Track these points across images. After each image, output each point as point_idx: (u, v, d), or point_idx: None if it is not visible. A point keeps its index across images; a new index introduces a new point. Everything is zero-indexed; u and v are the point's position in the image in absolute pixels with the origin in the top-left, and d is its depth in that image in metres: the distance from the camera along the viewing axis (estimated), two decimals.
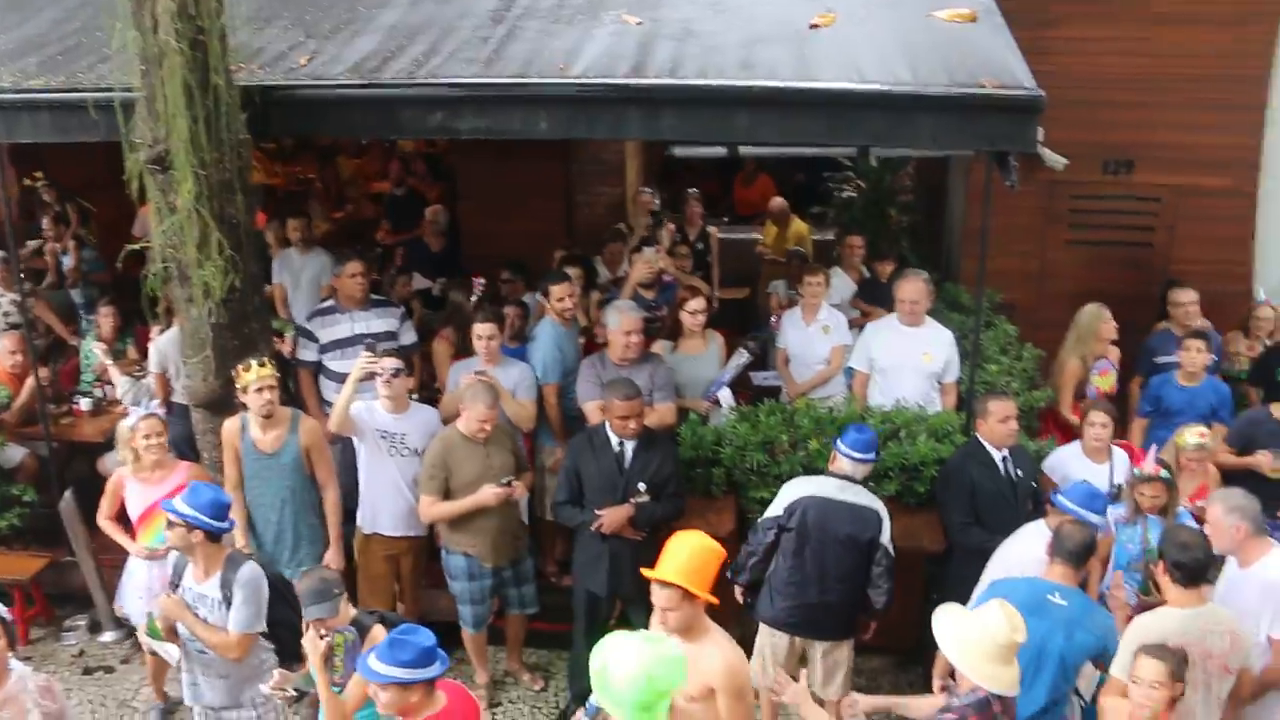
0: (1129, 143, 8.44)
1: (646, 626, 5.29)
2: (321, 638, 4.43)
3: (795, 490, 5.46)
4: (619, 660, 3.43)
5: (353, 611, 4.65)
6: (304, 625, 4.53)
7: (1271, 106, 8.27)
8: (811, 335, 7.39)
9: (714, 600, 4.14)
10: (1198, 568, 4.55)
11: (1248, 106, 8.33)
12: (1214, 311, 7.81)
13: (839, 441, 5.47)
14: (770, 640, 5.63)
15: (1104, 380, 7.34)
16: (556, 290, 6.89)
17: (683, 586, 4.03)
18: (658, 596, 4.11)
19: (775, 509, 5.47)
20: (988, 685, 3.89)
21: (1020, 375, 7.08)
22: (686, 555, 4.11)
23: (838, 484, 5.40)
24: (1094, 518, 5.10)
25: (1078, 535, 4.86)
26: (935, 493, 6.09)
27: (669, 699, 3.46)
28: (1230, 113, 8.29)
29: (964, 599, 5.48)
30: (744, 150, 13.24)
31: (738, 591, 5.63)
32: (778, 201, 10.72)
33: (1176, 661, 4.21)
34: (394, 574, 6.32)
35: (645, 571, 4.17)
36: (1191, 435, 6.17)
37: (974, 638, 3.95)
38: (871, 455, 5.44)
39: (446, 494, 5.89)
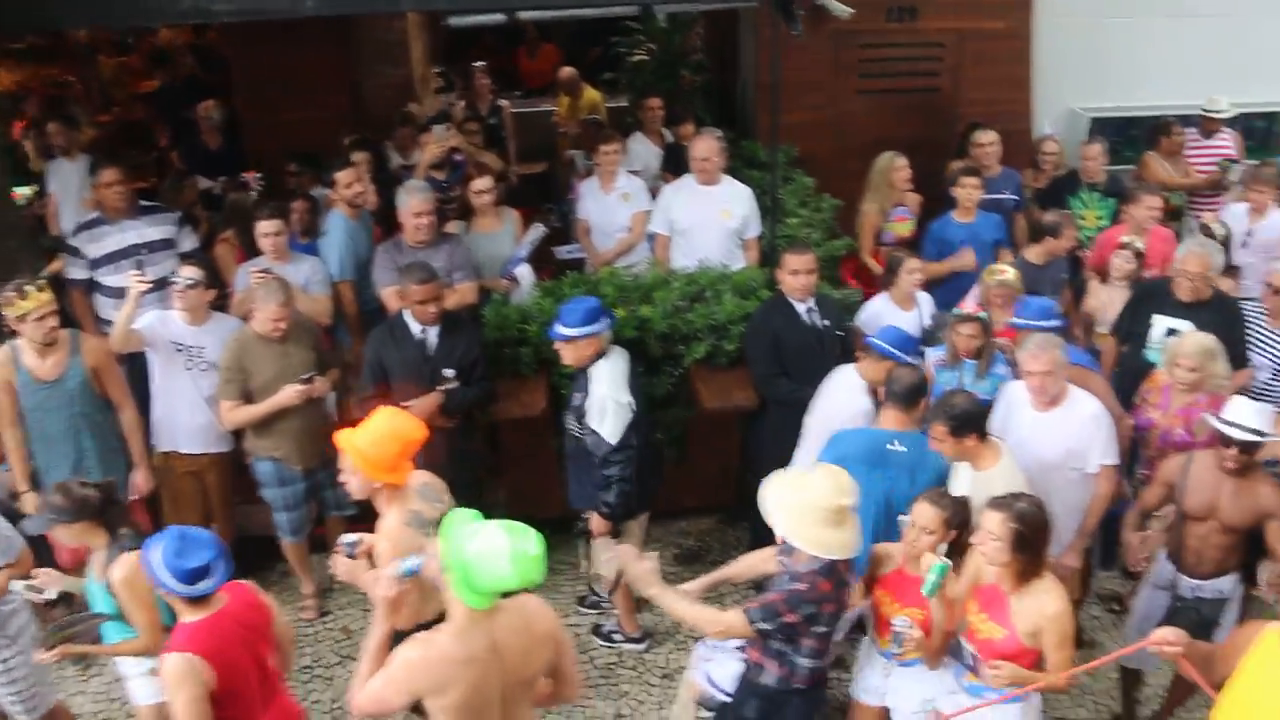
0: None
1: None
2: None
3: None
4: (483, 536, 3.28)
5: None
6: None
7: None
8: (611, 204, 7.27)
9: (395, 480, 4.19)
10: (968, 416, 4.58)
11: None
12: (1005, 152, 7.99)
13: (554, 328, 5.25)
14: None
15: (901, 226, 7.48)
16: (342, 178, 6.60)
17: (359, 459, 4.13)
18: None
19: None
20: (819, 552, 3.87)
21: (820, 226, 7.15)
22: (371, 431, 4.18)
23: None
24: (909, 359, 5.20)
25: (907, 377, 4.92)
26: (743, 349, 6.11)
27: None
28: None
29: (780, 451, 5.59)
30: (526, 19, 12.80)
31: None
32: (566, 71, 10.48)
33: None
34: (200, 492, 6.02)
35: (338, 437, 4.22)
36: (1002, 271, 6.32)
37: (799, 505, 3.90)
38: (590, 328, 5.17)
39: (248, 398, 5.62)
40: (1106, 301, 6.56)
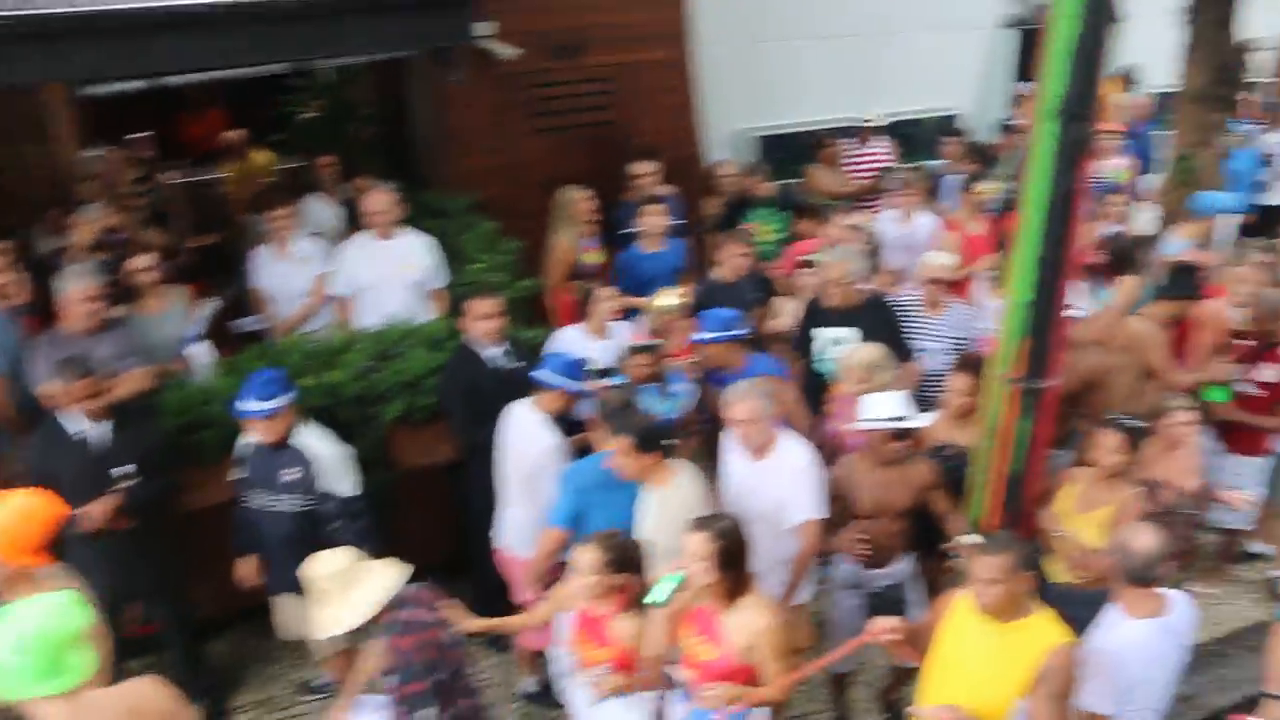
0: (575, 26, 8.59)
1: (174, 624, 4.90)
2: None
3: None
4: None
5: None
6: None
7: None
8: (289, 269, 6.98)
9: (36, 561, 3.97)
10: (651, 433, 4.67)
11: None
12: (677, 178, 8.24)
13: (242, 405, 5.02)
14: None
15: (592, 256, 7.55)
16: None
17: None
18: None
19: None
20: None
21: (505, 269, 7.11)
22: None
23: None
24: (576, 385, 5.23)
25: (616, 399, 5.03)
26: (440, 402, 5.99)
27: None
28: None
29: (486, 502, 5.54)
30: (184, 83, 12.16)
31: None
32: (233, 134, 10.06)
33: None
34: None
35: None
36: (667, 297, 6.48)
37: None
38: (281, 399, 5.00)
39: None
40: (784, 313, 6.81)
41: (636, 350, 5.81)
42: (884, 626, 4.09)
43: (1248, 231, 8.65)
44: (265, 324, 7.07)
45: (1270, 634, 4.44)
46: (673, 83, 8.91)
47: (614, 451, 4.71)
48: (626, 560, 4.22)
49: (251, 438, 5.12)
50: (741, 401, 4.87)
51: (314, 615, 4.05)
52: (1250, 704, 4.53)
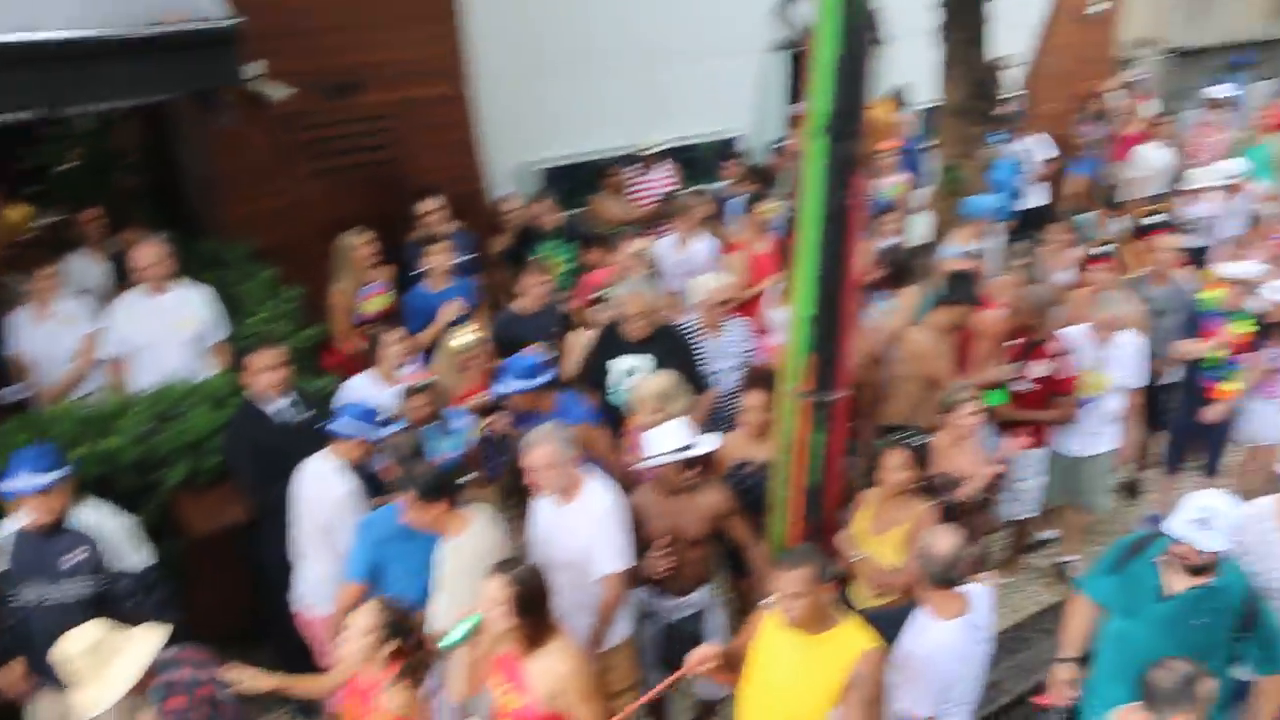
0: (350, 65, 8.38)
1: None
2: None
3: None
4: None
5: None
6: None
7: (464, 14, 8.65)
8: (52, 331, 6.55)
9: None
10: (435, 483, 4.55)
11: (442, 19, 8.63)
12: (463, 214, 8.13)
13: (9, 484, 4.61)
14: None
15: (374, 303, 7.35)
16: None
17: None
18: None
19: None
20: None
21: (288, 317, 6.86)
22: None
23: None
24: (372, 432, 5.08)
25: (406, 445, 5.00)
26: (226, 462, 5.71)
27: None
28: (428, 25, 8.54)
29: (282, 561, 5.31)
30: None
31: None
32: None
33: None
34: None
35: None
36: (463, 335, 6.36)
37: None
38: (57, 473, 4.61)
39: None
40: (577, 350, 6.73)
41: (413, 391, 5.68)
42: (702, 656, 4.10)
43: (1013, 236, 9.10)
44: (28, 392, 6.60)
45: (1067, 605, 4.70)
46: (453, 118, 8.82)
47: (403, 505, 4.58)
48: (400, 628, 4.04)
49: (11, 524, 4.71)
50: (538, 446, 4.76)
51: (72, 699, 3.78)
52: None
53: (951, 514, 5.47)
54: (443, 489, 4.54)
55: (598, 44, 9.47)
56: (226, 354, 6.42)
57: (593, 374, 6.37)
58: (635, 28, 9.65)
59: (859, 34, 4.14)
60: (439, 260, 7.10)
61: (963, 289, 6.49)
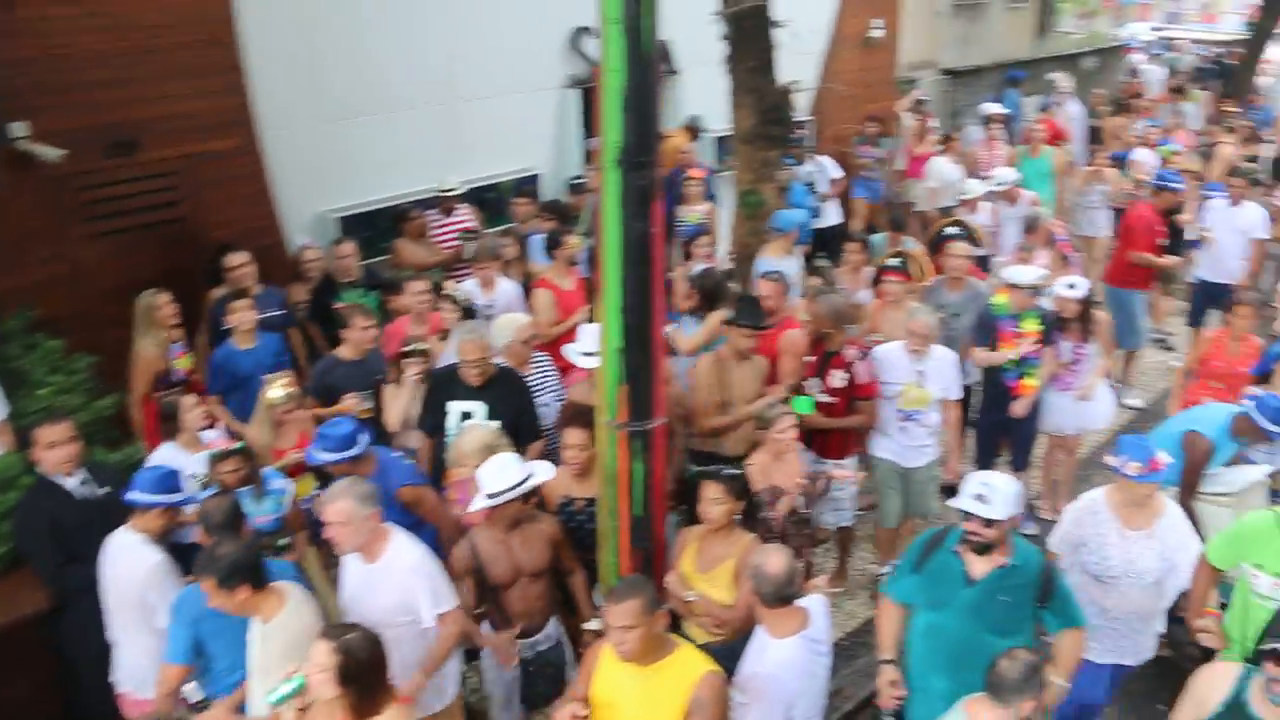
0: (130, 120, 7.99)
1: None
2: None
3: None
4: None
5: None
6: None
7: (250, 64, 8.39)
8: None
9: None
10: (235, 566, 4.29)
11: (225, 70, 8.34)
12: (264, 268, 7.85)
13: None
14: None
15: (182, 362, 7.05)
16: None
17: None
18: None
19: None
20: None
21: (77, 389, 6.49)
22: None
23: None
24: (171, 499, 4.88)
25: (217, 512, 4.79)
26: (19, 547, 5.34)
27: None
28: (212, 77, 8.24)
29: (95, 646, 5.00)
30: None
31: None
32: None
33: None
34: None
35: None
36: (276, 389, 6.15)
37: None
38: None
39: None
40: (395, 402, 6.56)
41: (221, 456, 5.44)
42: (568, 714, 4.05)
43: (810, 255, 9.37)
44: None
45: (878, 610, 4.87)
46: (245, 170, 8.53)
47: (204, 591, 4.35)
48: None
49: None
50: (333, 502, 4.58)
51: None
52: None
53: (778, 530, 5.58)
54: (242, 574, 4.26)
55: (393, 87, 9.34)
56: (9, 434, 6.01)
57: (429, 420, 6.24)
58: (430, 68, 9.56)
59: (647, 63, 4.18)
60: (244, 317, 6.86)
61: (750, 312, 6.52)
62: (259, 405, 6.28)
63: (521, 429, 6.08)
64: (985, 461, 7.71)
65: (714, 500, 4.95)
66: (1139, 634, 5.26)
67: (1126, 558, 5.06)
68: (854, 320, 7.00)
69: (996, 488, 4.44)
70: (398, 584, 4.63)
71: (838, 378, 6.58)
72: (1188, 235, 10.39)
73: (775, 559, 4.28)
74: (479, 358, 6.05)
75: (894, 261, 7.62)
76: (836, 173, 11.69)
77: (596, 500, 5.01)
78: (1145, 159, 12.24)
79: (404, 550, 4.70)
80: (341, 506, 4.55)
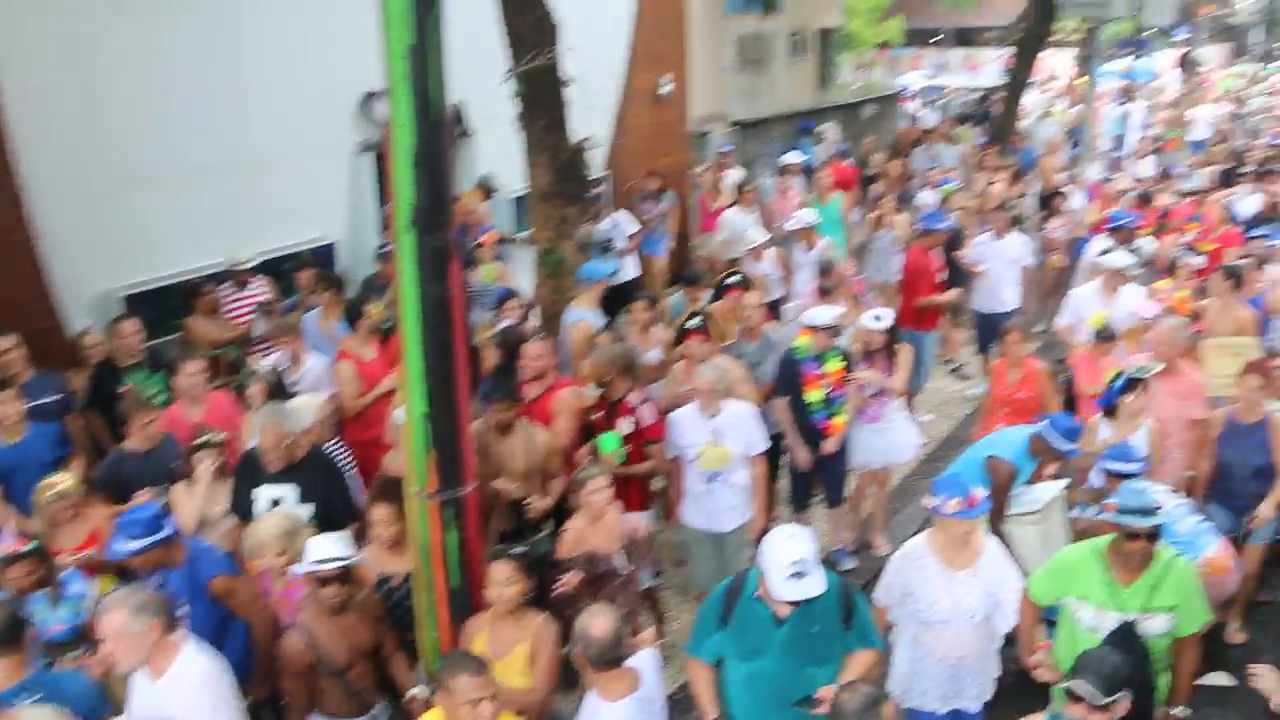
0: None
1: None
2: None
3: None
4: None
5: None
6: None
7: (11, 135, 7.89)
8: None
9: None
10: None
11: None
12: (39, 353, 7.34)
13: None
14: None
15: None
16: None
17: None
18: None
19: None
20: None
21: None
22: None
23: None
24: None
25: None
26: None
27: None
28: None
29: None
30: None
31: None
32: None
33: None
34: None
35: None
36: (53, 485, 5.71)
37: None
38: None
39: None
40: (188, 500, 6.05)
41: (9, 560, 5.01)
42: None
43: (609, 310, 9.28)
44: None
45: (688, 670, 4.81)
46: (13, 251, 7.97)
47: None
48: None
49: None
50: (105, 615, 4.13)
51: None
52: None
53: (605, 590, 5.49)
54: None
55: (180, 153, 8.88)
56: None
57: (237, 510, 5.90)
58: (219, 133, 9.16)
59: (437, 123, 4.11)
60: (9, 409, 6.37)
61: (504, 385, 6.31)
62: (36, 503, 5.81)
63: (335, 512, 5.82)
64: (800, 502, 7.81)
65: (504, 582, 4.70)
66: (975, 676, 5.26)
67: (954, 599, 5.06)
68: (636, 368, 6.89)
69: (806, 556, 4.32)
70: (188, 702, 4.18)
71: (625, 425, 6.52)
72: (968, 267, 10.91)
73: (600, 621, 4.18)
74: (277, 443, 5.78)
75: (694, 322, 7.57)
76: (633, 228, 11.80)
77: (412, 575, 4.84)
78: (926, 200, 12.83)
79: (192, 663, 4.27)
80: (114, 620, 4.09)
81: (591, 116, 10.46)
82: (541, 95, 8.27)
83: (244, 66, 9.36)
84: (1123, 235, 10.43)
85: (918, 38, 35.00)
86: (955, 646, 5.14)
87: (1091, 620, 4.83)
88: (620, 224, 11.54)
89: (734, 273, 8.91)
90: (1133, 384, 6.72)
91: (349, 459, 6.50)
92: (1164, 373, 7.23)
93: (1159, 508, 4.76)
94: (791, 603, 4.34)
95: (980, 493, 5.12)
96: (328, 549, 4.75)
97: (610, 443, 6.36)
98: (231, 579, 5.18)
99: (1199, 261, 9.88)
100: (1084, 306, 8.96)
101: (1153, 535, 4.75)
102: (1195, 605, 4.86)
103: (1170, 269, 9.78)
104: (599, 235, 11.03)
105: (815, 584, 4.29)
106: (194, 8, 8.97)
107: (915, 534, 8.03)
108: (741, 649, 4.59)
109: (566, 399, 6.75)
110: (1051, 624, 5.28)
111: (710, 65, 16.53)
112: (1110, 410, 6.77)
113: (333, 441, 6.50)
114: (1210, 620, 5.01)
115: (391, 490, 5.18)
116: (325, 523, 5.58)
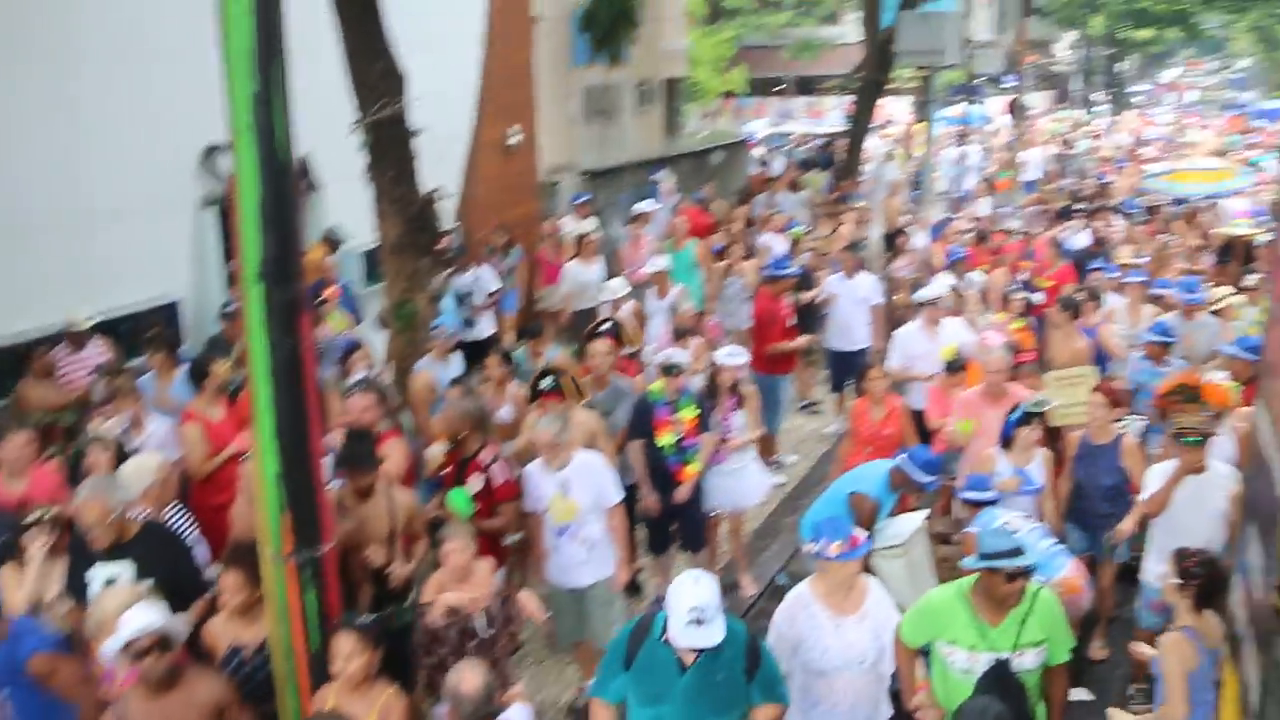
0: None
1: None
2: None
3: None
4: None
5: None
6: None
7: None
8: None
9: None
10: None
11: None
12: None
13: None
14: None
15: None
16: None
17: None
18: None
19: None
20: None
21: None
22: None
23: None
24: None
25: None
26: None
27: None
28: None
29: None
30: None
31: None
32: None
33: None
34: None
35: None
36: None
37: None
38: None
39: None
40: (17, 583, 5.58)
41: None
42: None
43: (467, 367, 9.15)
44: None
45: (591, 713, 4.70)
46: None
47: None
48: None
49: None
50: None
51: None
52: None
53: (472, 648, 5.34)
54: None
55: (12, 209, 8.42)
56: None
57: (73, 591, 5.47)
58: (54, 187, 8.77)
59: (284, 172, 4.01)
60: None
61: (359, 452, 5.96)
62: None
63: (180, 586, 5.45)
64: (659, 548, 7.76)
65: (347, 655, 4.51)
66: None
67: (843, 646, 5.02)
68: (488, 424, 6.73)
69: (706, 602, 4.27)
70: None
71: (475, 483, 6.35)
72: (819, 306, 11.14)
73: (470, 677, 4.09)
74: (101, 519, 5.38)
75: (547, 383, 7.33)
76: (494, 285, 11.54)
77: (269, 642, 4.63)
78: (773, 244, 13.08)
79: None
80: None
81: (441, 167, 10.36)
82: (390, 146, 8.17)
83: (81, 116, 9.00)
84: (956, 269, 10.86)
85: (761, 86, 35.92)
86: (847, 693, 5.08)
87: (964, 663, 4.79)
88: (482, 279, 11.31)
89: (606, 320, 8.89)
90: (1028, 418, 6.85)
91: (191, 526, 6.18)
92: (995, 397, 7.53)
93: (1023, 548, 4.72)
94: (694, 649, 4.29)
95: (861, 534, 5.10)
96: (138, 620, 4.46)
97: (459, 500, 6.19)
98: (53, 658, 4.85)
99: (1038, 297, 10.29)
100: (909, 344, 9.20)
101: (1025, 574, 4.71)
102: (1063, 635, 4.90)
103: (1004, 302, 10.18)
104: (460, 288, 10.93)
105: (713, 633, 4.24)
106: (28, 55, 8.62)
107: (781, 570, 8.37)
108: (644, 693, 4.53)
109: (393, 449, 6.58)
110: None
111: (559, 116, 16.62)
112: (1007, 442, 6.90)
113: (173, 508, 6.19)
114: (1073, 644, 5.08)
115: (242, 556, 4.93)
116: (171, 597, 5.27)
